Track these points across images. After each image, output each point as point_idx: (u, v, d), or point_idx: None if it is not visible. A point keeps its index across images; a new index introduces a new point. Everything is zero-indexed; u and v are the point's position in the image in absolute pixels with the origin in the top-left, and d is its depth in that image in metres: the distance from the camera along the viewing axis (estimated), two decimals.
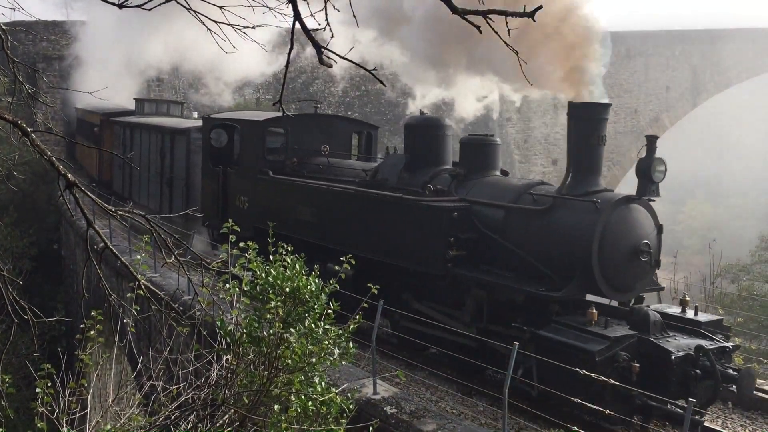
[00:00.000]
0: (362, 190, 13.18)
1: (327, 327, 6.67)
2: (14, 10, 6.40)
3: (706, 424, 10.08)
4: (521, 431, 9.76)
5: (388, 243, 12.43)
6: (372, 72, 3.72)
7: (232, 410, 6.29)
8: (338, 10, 3.51)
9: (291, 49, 3.61)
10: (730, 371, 9.66)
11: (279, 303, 6.39)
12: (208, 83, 35.73)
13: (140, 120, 28.12)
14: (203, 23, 4.01)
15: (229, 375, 6.36)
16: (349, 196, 13.38)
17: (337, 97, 44.89)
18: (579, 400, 9.06)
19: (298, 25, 3.63)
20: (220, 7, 3.98)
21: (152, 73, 39.03)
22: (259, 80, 38.13)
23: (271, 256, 7.05)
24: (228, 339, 6.62)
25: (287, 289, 6.48)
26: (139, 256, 17.31)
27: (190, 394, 6.67)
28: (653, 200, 10.84)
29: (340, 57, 3.67)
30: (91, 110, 34.19)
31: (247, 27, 4.03)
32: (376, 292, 7.82)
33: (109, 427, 6.37)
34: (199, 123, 21.23)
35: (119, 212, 5.10)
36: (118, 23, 32.82)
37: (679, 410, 9.01)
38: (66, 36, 38.61)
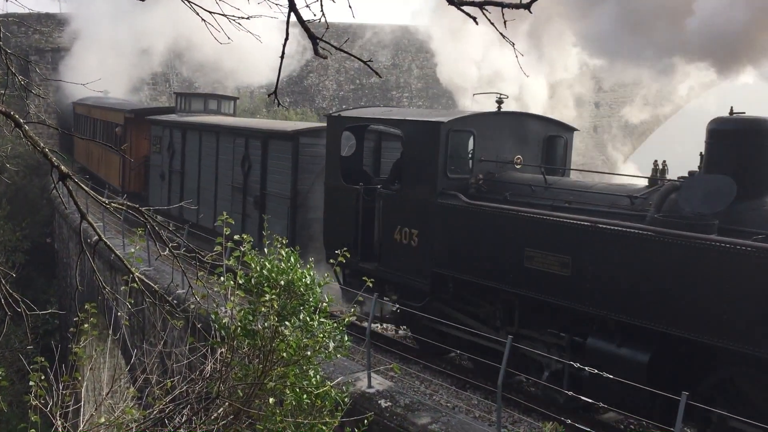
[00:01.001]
0: (682, 235, 8.45)
1: (322, 320, 6.66)
2: (7, 0, 6.35)
3: None
4: (515, 424, 9.79)
5: (735, 318, 7.99)
6: (367, 63, 3.70)
7: (227, 403, 6.28)
8: (334, 1, 3.50)
9: (286, 39, 3.59)
10: None
11: (274, 296, 6.37)
12: (219, 78, 34.32)
13: (199, 120, 22.20)
14: (197, 14, 3.99)
15: (223, 368, 6.35)
16: (653, 242, 8.66)
17: (332, 91, 44.79)
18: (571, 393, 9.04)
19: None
20: None
21: (152, 66, 38.33)
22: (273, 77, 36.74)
23: (265, 249, 7.03)
24: (222, 332, 6.61)
25: (282, 282, 6.47)
26: (133, 249, 17.30)
27: (185, 388, 6.65)
28: None
29: (336, 48, 3.65)
30: (108, 106, 29.65)
31: (242, 18, 4.01)
32: (371, 285, 7.81)
33: (103, 420, 6.36)
34: (304, 125, 17.13)
35: (113, 204, 5.07)
36: (116, 11, 32.57)
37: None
38: (59, 28, 38.39)
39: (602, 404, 8.78)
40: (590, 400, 8.84)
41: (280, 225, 15.65)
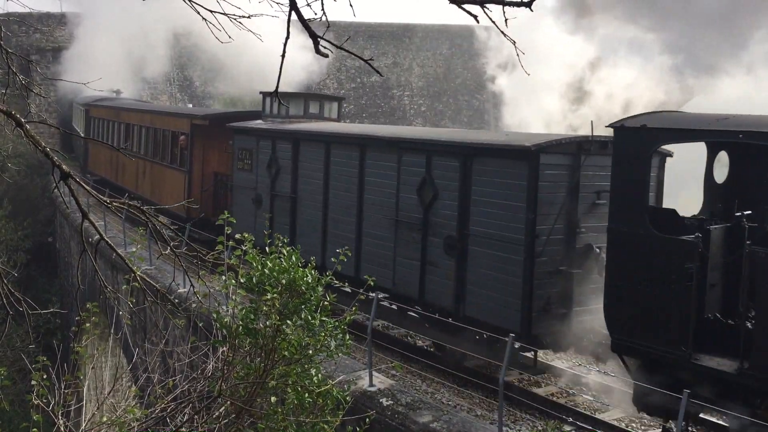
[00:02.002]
0: None
1: (323, 319, 6.66)
2: (7, 0, 6.36)
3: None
4: (517, 423, 9.79)
5: None
6: (368, 62, 3.70)
7: (229, 402, 6.28)
8: (335, 0, 3.50)
9: (287, 38, 3.59)
10: None
11: (275, 295, 6.37)
12: (233, 76, 33.16)
13: (323, 128, 16.46)
14: (198, 13, 3.99)
15: (225, 367, 6.35)
16: None
17: (332, 89, 44.77)
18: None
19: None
20: None
21: (161, 65, 37.83)
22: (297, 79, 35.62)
23: (267, 248, 7.03)
24: (224, 331, 6.61)
25: (283, 281, 6.47)
26: (134, 249, 17.31)
27: (186, 387, 6.66)
28: None
29: (337, 47, 3.65)
30: (162, 111, 24.86)
31: (243, 17, 4.01)
32: (372, 284, 7.81)
33: (104, 419, 6.36)
34: (543, 137, 11.68)
35: (114, 203, 5.07)
36: (120, 9, 31.82)
37: None
38: (60, 27, 38.40)
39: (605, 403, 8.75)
40: (591, 398, 8.84)
41: (500, 283, 11.14)
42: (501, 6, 3.54)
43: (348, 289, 13.59)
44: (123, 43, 34.29)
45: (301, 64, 32.93)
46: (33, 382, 6.33)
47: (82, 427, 6.42)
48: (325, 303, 6.79)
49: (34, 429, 6.16)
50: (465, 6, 3.51)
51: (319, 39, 3.59)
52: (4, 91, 6.21)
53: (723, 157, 10.31)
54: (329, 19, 3.74)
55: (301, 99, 18.31)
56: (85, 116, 33.30)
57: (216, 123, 19.97)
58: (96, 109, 31.78)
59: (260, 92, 18.92)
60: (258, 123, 18.08)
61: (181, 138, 20.91)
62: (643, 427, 10.18)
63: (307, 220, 15.35)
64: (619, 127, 9.37)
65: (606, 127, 9.90)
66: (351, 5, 3.69)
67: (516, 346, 9.90)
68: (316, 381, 6.49)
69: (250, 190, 17.27)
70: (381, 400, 9.98)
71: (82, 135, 31.91)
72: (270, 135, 16.88)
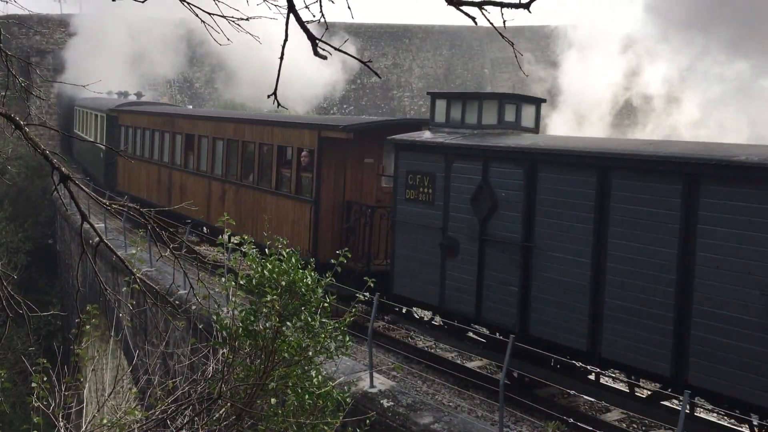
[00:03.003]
0: None
1: (323, 320, 6.66)
2: (7, 2, 6.36)
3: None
4: (518, 423, 9.79)
5: None
6: (367, 64, 3.70)
7: (229, 404, 6.28)
8: (333, 2, 3.50)
9: (285, 40, 3.59)
10: None
11: (275, 296, 6.38)
12: (245, 79, 31.40)
13: (594, 147, 10.52)
14: (197, 15, 3.99)
15: (225, 369, 6.35)
16: None
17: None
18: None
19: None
20: None
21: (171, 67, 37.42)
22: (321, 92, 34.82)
23: (267, 250, 7.03)
24: (224, 333, 6.61)
25: (283, 283, 6.47)
26: (134, 251, 17.32)
27: (187, 388, 6.66)
28: None
29: (336, 49, 3.65)
30: (267, 120, 18.02)
31: (241, 19, 4.02)
32: (372, 285, 7.81)
33: (105, 421, 6.37)
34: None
35: (114, 205, 5.08)
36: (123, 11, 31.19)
37: None
38: (60, 30, 38.44)
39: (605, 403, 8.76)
40: (593, 399, 8.85)
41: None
42: (499, 8, 3.55)
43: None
44: (127, 44, 34.24)
45: (326, 81, 32.96)
46: (33, 385, 6.33)
47: (83, 429, 6.42)
48: (325, 305, 6.80)
49: (35, 431, 6.16)
50: (463, 8, 3.51)
51: (317, 41, 3.59)
52: (3, 94, 6.22)
53: None
54: (328, 21, 3.75)
55: (495, 102, 12.70)
56: (107, 124, 27.87)
57: (364, 135, 14.81)
58: (129, 116, 26.06)
59: (428, 92, 14.75)
60: (429, 136, 12.93)
61: (303, 155, 15.28)
62: (644, 428, 10.19)
63: (557, 280, 10.42)
64: None
65: None
66: (349, 7, 3.69)
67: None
68: (316, 382, 6.50)
69: (432, 231, 12.18)
70: (382, 402, 9.98)
71: (105, 146, 27.33)
72: (477, 154, 11.66)
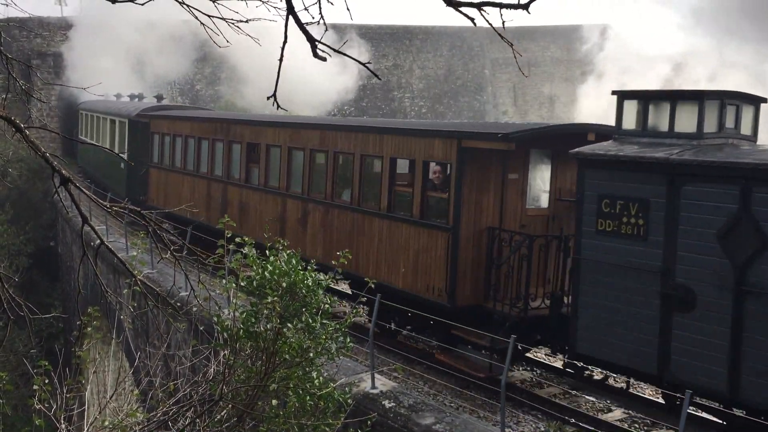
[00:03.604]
0: None
1: (324, 321, 6.67)
2: (7, 5, 6.37)
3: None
4: (519, 424, 9.79)
5: None
6: (366, 65, 3.71)
7: (230, 405, 6.29)
8: (332, 3, 3.50)
9: (285, 42, 3.60)
10: None
11: (276, 298, 6.39)
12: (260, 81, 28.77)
13: None
14: (196, 17, 4.00)
15: (226, 370, 6.36)
16: None
17: None
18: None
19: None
20: (213, 1, 3.97)
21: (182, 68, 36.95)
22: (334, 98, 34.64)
23: (267, 251, 7.04)
24: (225, 334, 6.62)
25: (284, 284, 6.48)
26: (135, 253, 17.33)
27: (188, 390, 6.67)
28: None
29: (335, 51, 3.66)
30: (369, 127, 14.91)
31: (240, 21, 4.02)
32: (373, 286, 7.82)
33: (107, 422, 6.38)
34: None
35: (114, 208, 5.09)
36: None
37: None
38: (61, 32, 38.47)
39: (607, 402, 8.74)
40: (593, 399, 8.85)
41: None
42: (498, 9, 3.55)
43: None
44: (128, 46, 34.06)
45: (337, 89, 32.67)
46: (35, 387, 6.35)
47: (84, 430, 6.43)
48: (326, 306, 6.81)
49: None
50: (462, 9, 3.52)
51: (316, 42, 3.60)
52: (4, 97, 6.23)
53: None
54: (338, 23, 3.75)
55: (715, 101, 9.99)
56: (130, 130, 24.89)
57: (527, 145, 12.00)
58: (165, 122, 22.58)
59: (613, 92, 11.00)
60: (624, 148, 10.09)
61: (435, 171, 12.62)
62: (645, 428, 10.19)
63: None
64: None
65: None
66: (348, 8, 3.70)
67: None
68: (317, 383, 6.50)
69: (646, 275, 9.48)
70: (383, 403, 9.98)
71: (124, 157, 24.55)
72: (731, 174, 8.78)
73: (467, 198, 11.70)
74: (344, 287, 15.15)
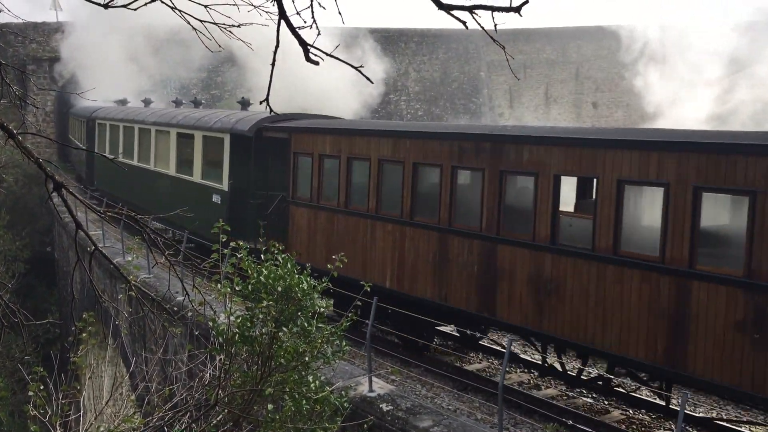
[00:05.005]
0: None
1: (320, 325, 6.66)
2: (1, 11, 6.36)
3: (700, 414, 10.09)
4: (517, 426, 9.78)
5: None
6: (358, 69, 3.71)
7: (226, 410, 6.28)
8: (324, 8, 3.51)
9: (277, 47, 3.60)
10: None
11: (271, 302, 6.38)
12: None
13: None
14: (188, 23, 4.00)
15: (222, 375, 6.35)
16: None
17: None
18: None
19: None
20: (205, 6, 3.97)
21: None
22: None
23: (262, 255, 7.03)
24: (221, 339, 6.61)
25: (279, 288, 6.47)
26: (130, 258, 17.28)
27: (184, 395, 6.65)
28: None
29: (327, 54, 3.66)
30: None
31: (233, 26, 4.02)
32: (369, 289, 7.81)
33: (102, 428, 6.36)
34: None
35: (109, 213, 5.08)
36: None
37: None
38: (56, 37, 38.37)
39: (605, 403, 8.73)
40: (591, 400, 8.84)
41: None
42: (490, 12, 3.55)
43: None
44: (127, 48, 33.62)
45: (364, 98, 31.55)
46: (30, 393, 6.33)
47: None
48: (321, 309, 6.80)
49: None
50: (454, 12, 3.53)
51: (309, 47, 3.60)
52: None
53: None
54: (321, 26, 3.76)
55: None
56: (243, 150, 16.82)
57: None
58: (327, 140, 14.63)
59: None
60: None
61: None
62: (643, 429, 10.19)
63: None
64: None
65: None
66: (339, 13, 3.70)
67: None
68: (313, 387, 6.49)
69: None
70: (381, 406, 9.96)
71: (222, 186, 17.36)
72: None
73: None
74: None
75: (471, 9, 3.45)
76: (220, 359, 6.51)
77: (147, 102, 30.27)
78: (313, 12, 3.69)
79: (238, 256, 6.88)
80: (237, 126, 17.11)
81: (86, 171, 30.26)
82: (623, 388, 11.17)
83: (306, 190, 15.01)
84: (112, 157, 22.01)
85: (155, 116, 23.28)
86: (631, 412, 10.46)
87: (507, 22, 3.86)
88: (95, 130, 28.68)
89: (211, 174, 18.18)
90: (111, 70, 32.81)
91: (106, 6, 4.25)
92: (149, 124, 23.14)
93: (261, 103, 3.84)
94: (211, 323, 6.74)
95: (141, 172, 23.31)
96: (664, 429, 9.88)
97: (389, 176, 13.15)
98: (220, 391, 6.14)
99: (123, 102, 31.78)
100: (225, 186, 17.17)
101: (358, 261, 13.23)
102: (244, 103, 23.60)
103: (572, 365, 11.73)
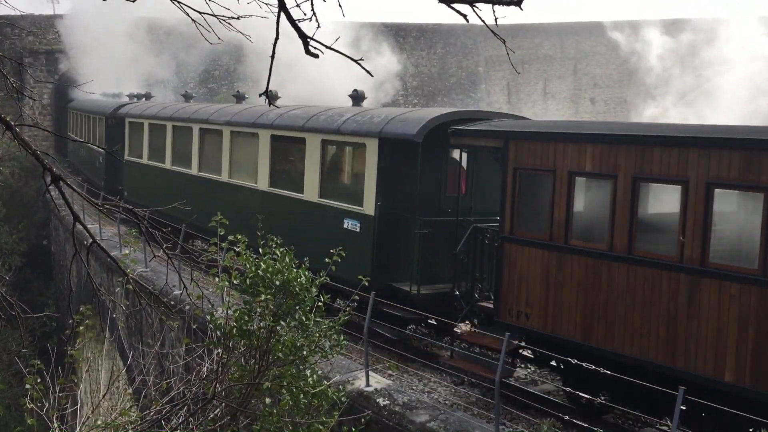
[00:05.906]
0: None
1: (318, 319, 6.66)
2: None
3: None
4: (513, 421, 9.80)
5: None
6: (358, 62, 3.69)
7: (224, 404, 6.27)
8: (324, 0, 3.49)
9: (276, 39, 3.58)
10: None
11: (269, 296, 6.37)
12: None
13: None
14: (187, 14, 3.98)
15: (220, 369, 6.34)
16: None
17: None
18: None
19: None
20: None
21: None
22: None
23: (260, 249, 7.02)
24: (218, 332, 6.60)
25: (277, 282, 6.46)
26: (127, 251, 17.26)
27: (181, 389, 6.65)
28: None
29: (327, 47, 3.64)
30: None
31: (232, 18, 4.00)
32: (367, 284, 7.81)
33: (99, 422, 6.35)
34: None
35: (106, 206, 5.06)
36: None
37: None
38: (53, 30, 38.24)
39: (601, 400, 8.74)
40: (588, 396, 8.85)
41: None
42: (491, 5, 3.54)
43: None
44: (125, 43, 33.47)
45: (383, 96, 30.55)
46: (27, 386, 6.32)
47: (77, 430, 6.41)
48: (319, 304, 6.79)
49: None
50: (455, 5, 3.51)
51: (309, 39, 3.58)
52: None
53: None
54: (321, 20, 3.74)
55: None
56: (479, 165, 12.67)
57: None
58: (568, 149, 9.78)
59: None
60: None
61: None
62: (639, 425, 10.20)
63: None
64: None
65: None
66: (340, 5, 3.68)
67: None
68: (311, 382, 6.49)
69: None
70: (378, 400, 9.97)
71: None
72: None
73: None
74: None
75: (472, 2, 3.43)
76: (218, 353, 6.51)
77: (188, 96, 25.53)
78: (312, 5, 3.68)
79: (236, 249, 6.87)
80: (391, 128, 12.61)
81: (105, 177, 25.58)
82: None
83: (539, 224, 10.35)
84: (161, 165, 19.70)
85: (227, 114, 18.14)
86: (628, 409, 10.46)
87: (507, 16, 3.84)
88: (124, 130, 23.82)
89: (338, 191, 14.01)
90: (110, 62, 32.59)
91: None
92: (220, 124, 18.03)
93: (260, 95, 3.83)
94: (208, 317, 6.73)
95: (205, 184, 18.23)
96: (660, 425, 9.90)
97: (725, 208, 8.50)
98: (217, 385, 6.13)
99: (146, 96, 27.81)
100: (368, 209, 12.77)
101: (652, 337, 8.77)
102: (240, 97, 21.00)
103: None
